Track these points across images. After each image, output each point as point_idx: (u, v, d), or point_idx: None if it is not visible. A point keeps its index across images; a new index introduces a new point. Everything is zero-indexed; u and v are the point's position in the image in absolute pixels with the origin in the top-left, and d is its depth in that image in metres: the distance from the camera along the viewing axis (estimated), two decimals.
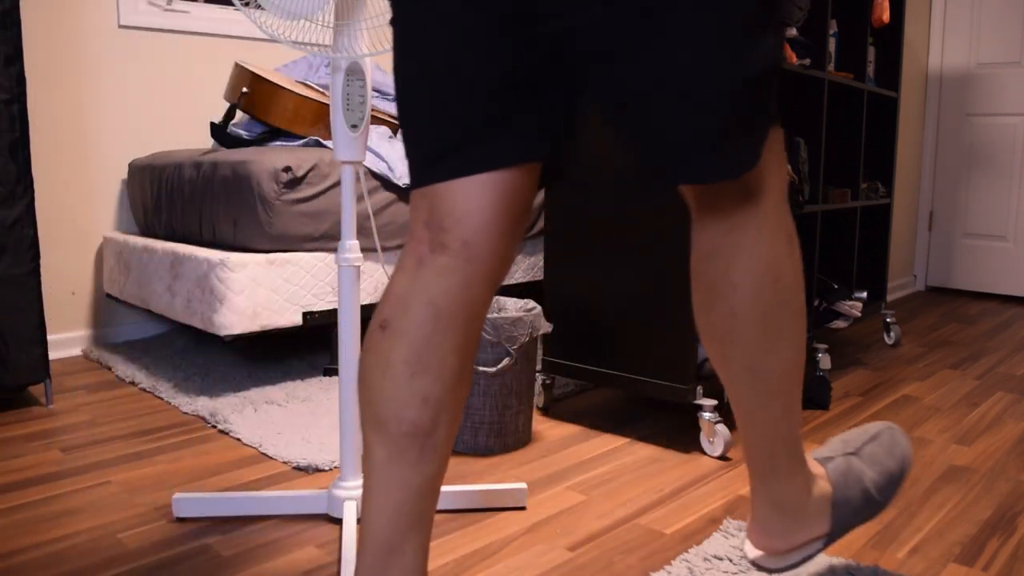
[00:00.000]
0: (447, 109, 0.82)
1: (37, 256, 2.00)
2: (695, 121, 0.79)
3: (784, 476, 1.02)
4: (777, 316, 0.91)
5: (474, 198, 0.83)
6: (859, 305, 2.44)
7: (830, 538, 1.10)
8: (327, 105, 2.45)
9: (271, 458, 1.74)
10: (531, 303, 1.89)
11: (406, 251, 0.87)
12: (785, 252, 0.91)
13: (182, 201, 2.39)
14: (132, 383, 2.29)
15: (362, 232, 2.34)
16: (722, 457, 1.75)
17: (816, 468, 1.10)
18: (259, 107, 2.40)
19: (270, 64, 3.07)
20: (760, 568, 1.10)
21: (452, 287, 0.84)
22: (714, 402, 1.76)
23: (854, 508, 1.10)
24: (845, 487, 1.10)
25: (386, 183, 2.34)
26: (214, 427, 1.94)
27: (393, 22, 0.87)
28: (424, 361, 0.84)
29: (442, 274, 0.84)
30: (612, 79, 0.80)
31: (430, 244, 0.85)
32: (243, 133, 2.49)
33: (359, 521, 1.43)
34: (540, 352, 2.60)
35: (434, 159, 0.83)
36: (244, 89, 2.39)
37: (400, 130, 0.90)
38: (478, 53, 0.80)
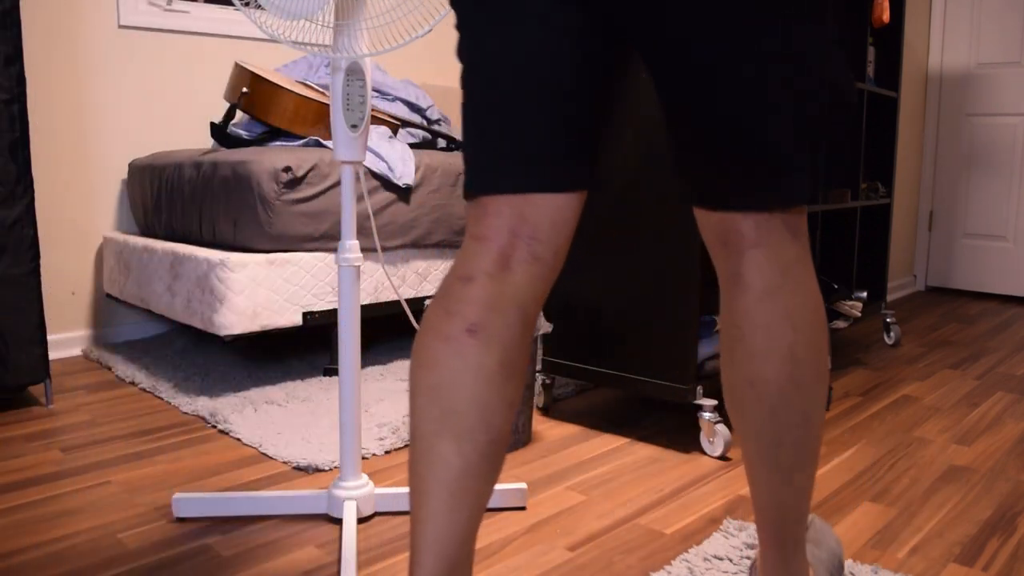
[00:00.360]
0: (556, 120, 0.84)
1: (37, 256, 2.00)
2: (777, 149, 0.82)
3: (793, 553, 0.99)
4: (823, 359, 0.89)
5: (568, 211, 0.87)
6: (859, 305, 2.44)
7: None
8: (327, 105, 2.45)
9: (271, 458, 1.74)
10: None
11: (480, 254, 0.87)
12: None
13: (182, 201, 2.39)
14: (132, 383, 2.29)
15: (362, 232, 2.33)
16: (722, 457, 1.75)
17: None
18: (259, 107, 2.40)
19: (270, 64, 3.07)
20: None
21: (539, 294, 0.88)
22: (714, 402, 1.76)
23: None
24: None
25: (386, 183, 2.34)
26: (214, 427, 1.94)
27: (463, 27, 0.87)
28: (514, 366, 0.86)
29: (534, 281, 0.87)
30: (706, 101, 0.82)
31: (521, 251, 0.86)
32: (243, 133, 2.49)
33: (359, 521, 1.43)
34: (540, 352, 2.60)
35: (538, 167, 0.85)
36: (244, 89, 2.39)
37: (474, 124, 0.88)
38: (582, 65, 0.83)
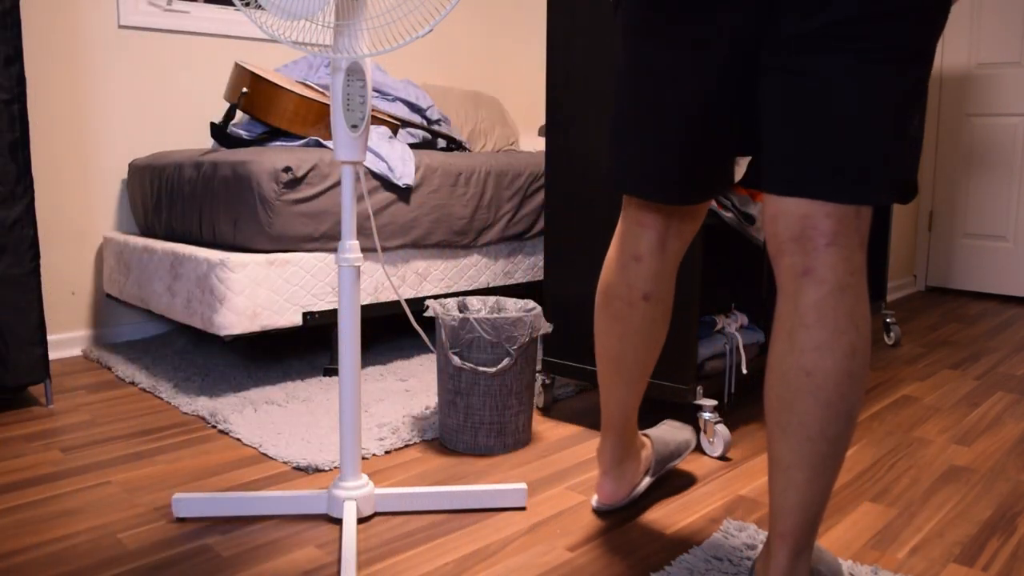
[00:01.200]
0: (694, 146, 1.15)
1: (37, 256, 2.00)
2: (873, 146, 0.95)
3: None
4: (868, 365, 0.99)
5: (701, 207, 1.28)
6: None
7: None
8: (327, 105, 2.45)
9: (271, 458, 1.74)
10: (531, 303, 1.89)
11: (644, 237, 1.27)
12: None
13: (182, 201, 2.39)
14: (132, 383, 2.29)
15: (362, 232, 2.34)
16: (722, 457, 1.75)
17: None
18: (259, 107, 2.40)
19: (270, 64, 3.07)
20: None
21: (680, 260, 1.37)
22: (714, 402, 1.76)
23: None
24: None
25: (386, 183, 2.34)
26: (214, 427, 1.94)
27: (631, 51, 1.16)
28: (669, 311, 1.33)
29: (680, 254, 1.30)
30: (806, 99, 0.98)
31: (672, 235, 1.27)
32: (243, 133, 2.49)
33: (359, 521, 1.43)
34: (540, 352, 2.60)
35: (678, 190, 1.19)
36: (244, 89, 2.39)
37: (627, 135, 1.20)
38: (725, 90, 1.09)
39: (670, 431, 1.63)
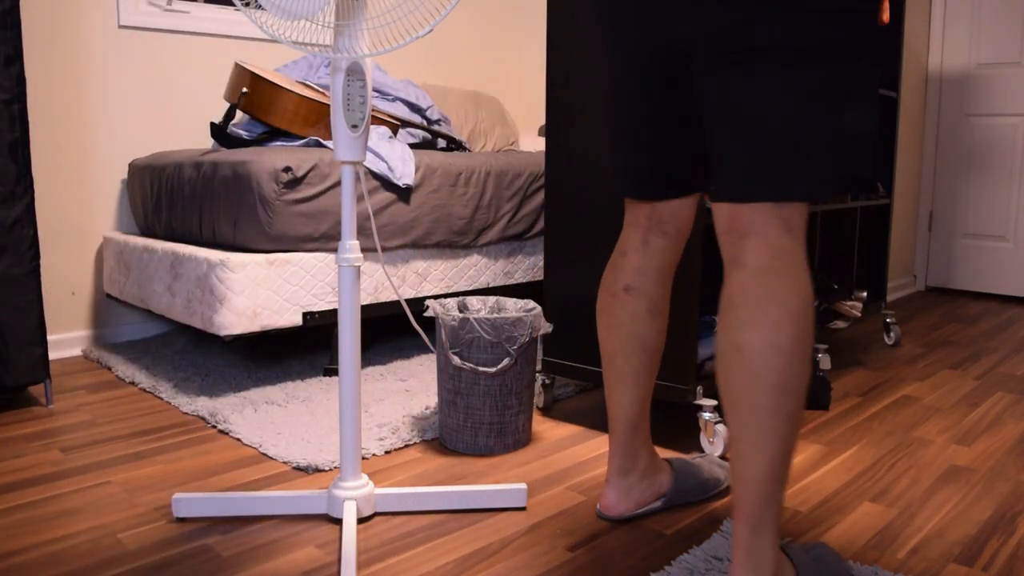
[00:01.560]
0: (657, 146, 1.27)
1: (37, 256, 2.00)
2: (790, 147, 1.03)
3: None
4: (804, 338, 1.02)
5: (684, 204, 1.33)
6: (859, 305, 2.44)
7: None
8: (327, 105, 2.45)
9: (271, 458, 1.74)
10: (531, 303, 1.89)
11: (631, 235, 1.35)
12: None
13: (182, 201, 2.39)
14: (132, 383, 2.29)
15: (362, 232, 2.34)
16: (722, 457, 1.75)
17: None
18: (259, 107, 2.40)
19: (270, 64, 3.07)
20: None
21: (672, 258, 1.36)
22: (714, 402, 1.76)
23: None
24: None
25: (386, 183, 2.34)
26: (214, 427, 1.94)
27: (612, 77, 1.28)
28: (659, 308, 1.36)
29: (665, 251, 1.34)
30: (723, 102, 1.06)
31: (654, 233, 1.34)
32: (243, 133, 2.49)
33: (359, 521, 1.43)
34: (540, 352, 2.60)
35: (654, 185, 1.30)
36: (244, 89, 2.39)
37: (609, 141, 1.32)
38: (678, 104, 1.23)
39: (705, 465, 1.56)
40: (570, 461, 1.73)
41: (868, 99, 1.03)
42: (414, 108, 2.91)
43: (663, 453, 1.78)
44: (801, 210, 1.05)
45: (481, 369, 1.72)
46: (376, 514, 1.47)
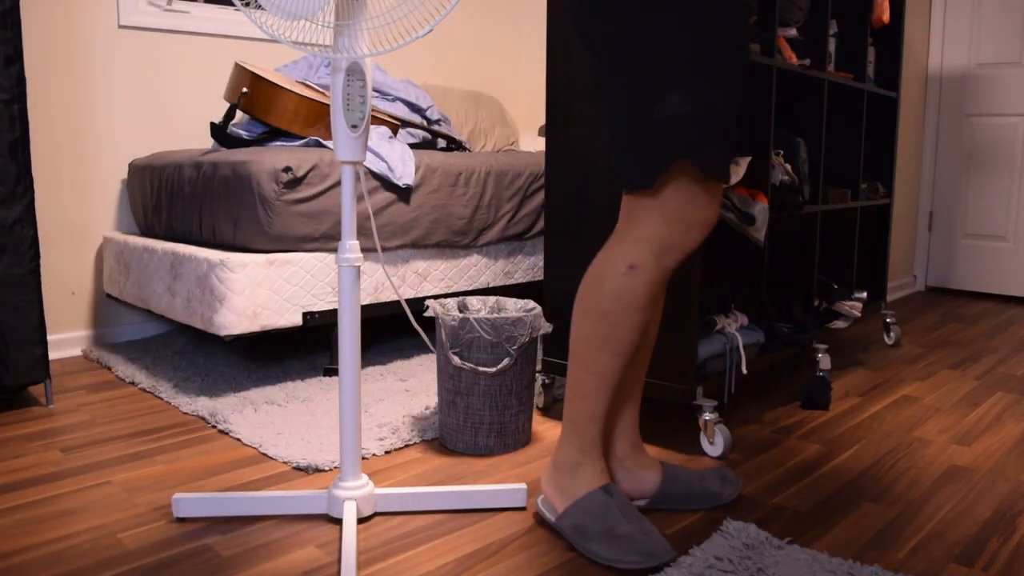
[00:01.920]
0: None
1: (37, 256, 2.00)
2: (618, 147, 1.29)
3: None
4: (594, 299, 1.32)
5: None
6: (859, 305, 2.44)
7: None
8: (327, 105, 2.45)
9: (271, 458, 1.74)
10: (531, 303, 1.89)
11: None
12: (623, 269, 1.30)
13: (182, 201, 2.39)
14: (132, 383, 2.29)
15: (362, 232, 2.34)
16: (722, 457, 1.75)
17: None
18: (259, 107, 2.40)
19: (270, 64, 3.07)
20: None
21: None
22: (714, 402, 1.76)
23: None
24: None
25: (386, 183, 2.34)
26: (214, 427, 1.94)
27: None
28: (656, 298, 1.35)
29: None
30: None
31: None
32: (243, 133, 2.49)
33: (359, 521, 1.43)
34: (540, 352, 2.59)
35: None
36: (244, 89, 2.39)
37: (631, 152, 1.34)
38: None
39: (710, 476, 1.52)
40: None
41: (679, 81, 1.20)
42: (414, 108, 2.91)
43: (662, 453, 1.78)
44: (640, 203, 1.29)
45: (481, 369, 1.72)
46: (376, 514, 1.47)
